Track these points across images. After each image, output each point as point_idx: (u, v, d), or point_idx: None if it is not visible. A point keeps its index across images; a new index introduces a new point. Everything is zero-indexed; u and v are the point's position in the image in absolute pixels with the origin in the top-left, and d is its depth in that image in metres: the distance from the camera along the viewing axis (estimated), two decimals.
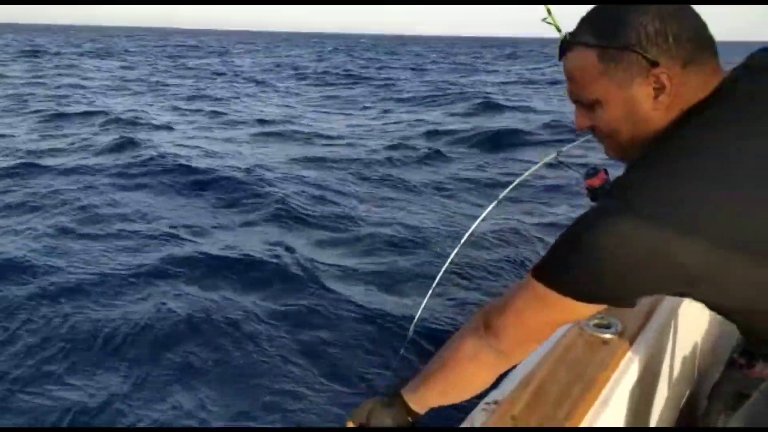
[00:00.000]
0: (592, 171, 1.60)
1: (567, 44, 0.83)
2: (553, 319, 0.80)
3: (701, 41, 0.78)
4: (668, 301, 1.46)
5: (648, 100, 0.79)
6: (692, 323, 1.73)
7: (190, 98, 16.12)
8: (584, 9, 0.86)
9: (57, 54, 34.13)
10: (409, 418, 0.95)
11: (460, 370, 0.88)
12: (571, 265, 0.74)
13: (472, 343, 0.86)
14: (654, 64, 0.76)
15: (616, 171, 1.54)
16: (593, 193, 1.56)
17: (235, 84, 21.15)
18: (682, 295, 0.78)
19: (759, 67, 0.82)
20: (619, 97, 0.80)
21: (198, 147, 9.28)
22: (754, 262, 0.71)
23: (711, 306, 0.81)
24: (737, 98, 0.77)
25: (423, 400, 0.92)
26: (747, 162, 0.72)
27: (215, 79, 22.83)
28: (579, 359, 1.00)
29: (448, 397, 0.91)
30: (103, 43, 54.19)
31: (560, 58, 0.85)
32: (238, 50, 52.39)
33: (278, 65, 32.13)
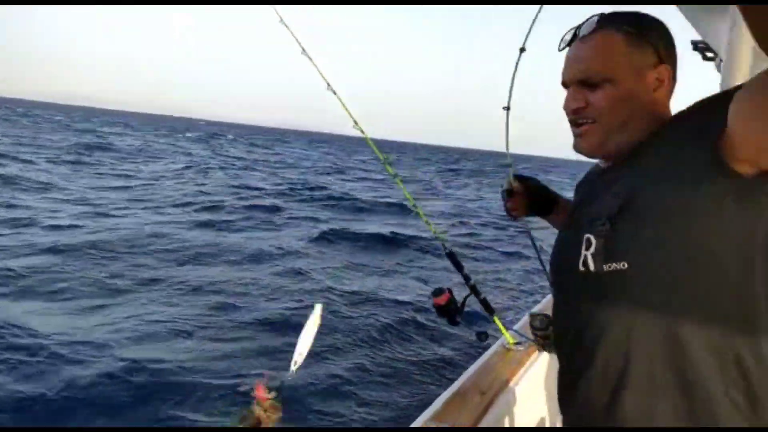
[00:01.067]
0: (438, 290, 1.87)
1: (598, 25, 0.93)
2: None
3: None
4: (504, 396, 1.71)
5: (649, 91, 0.92)
6: (532, 420, 1.98)
7: None
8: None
9: None
10: None
11: None
12: None
13: None
14: (662, 61, 0.93)
15: (461, 291, 1.86)
16: (441, 310, 1.83)
17: None
18: None
19: None
20: (630, 80, 0.91)
21: None
22: None
23: None
24: None
25: None
26: None
27: None
28: None
29: None
30: None
31: (578, 39, 0.95)
32: None
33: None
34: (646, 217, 0.85)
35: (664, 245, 0.84)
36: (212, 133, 74.41)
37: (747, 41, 1.55)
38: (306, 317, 1.00)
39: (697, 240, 0.83)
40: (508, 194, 1.35)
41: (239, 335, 5.51)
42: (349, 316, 6.34)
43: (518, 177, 1.38)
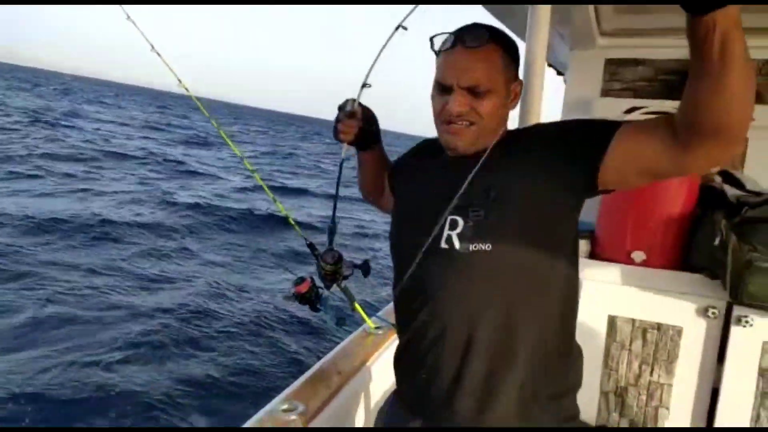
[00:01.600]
0: (300, 279, 1.95)
1: (486, 41, 1.01)
2: None
3: None
4: (360, 375, 1.79)
5: (509, 102, 1.07)
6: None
7: None
8: None
9: None
10: None
11: None
12: None
13: None
14: (517, 77, 1.07)
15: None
16: (301, 298, 1.91)
17: None
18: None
19: None
20: (504, 92, 1.04)
21: None
22: None
23: None
24: None
25: None
26: None
27: None
28: None
29: None
30: None
31: (463, 46, 1.02)
32: None
33: None
34: (515, 209, 1.01)
35: (525, 233, 1.00)
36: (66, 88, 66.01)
37: (543, 27, 1.68)
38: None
39: (552, 232, 1.02)
40: (348, 115, 1.26)
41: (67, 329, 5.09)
42: (217, 300, 6.18)
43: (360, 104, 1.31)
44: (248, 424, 1.34)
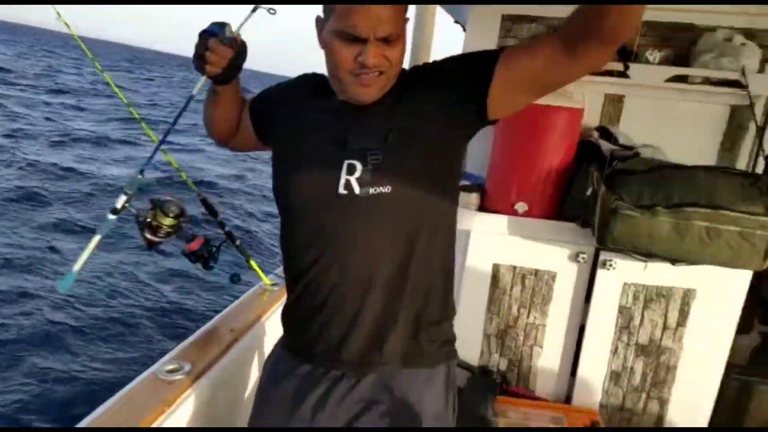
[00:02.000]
0: (191, 237, 1.90)
1: None
2: None
3: None
4: (253, 331, 1.80)
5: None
6: None
7: None
8: None
9: None
10: None
11: None
12: None
13: None
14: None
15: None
16: (193, 256, 1.86)
17: None
18: None
19: None
20: (404, 37, 1.02)
21: None
22: None
23: None
24: None
25: None
26: None
27: None
28: (143, 401, 1.25)
29: None
30: None
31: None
32: None
33: None
34: (413, 150, 1.03)
35: (423, 173, 1.04)
36: None
37: None
38: None
39: (446, 169, 1.07)
40: (229, 44, 1.09)
41: None
42: (89, 276, 5.71)
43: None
44: (130, 386, 1.31)
